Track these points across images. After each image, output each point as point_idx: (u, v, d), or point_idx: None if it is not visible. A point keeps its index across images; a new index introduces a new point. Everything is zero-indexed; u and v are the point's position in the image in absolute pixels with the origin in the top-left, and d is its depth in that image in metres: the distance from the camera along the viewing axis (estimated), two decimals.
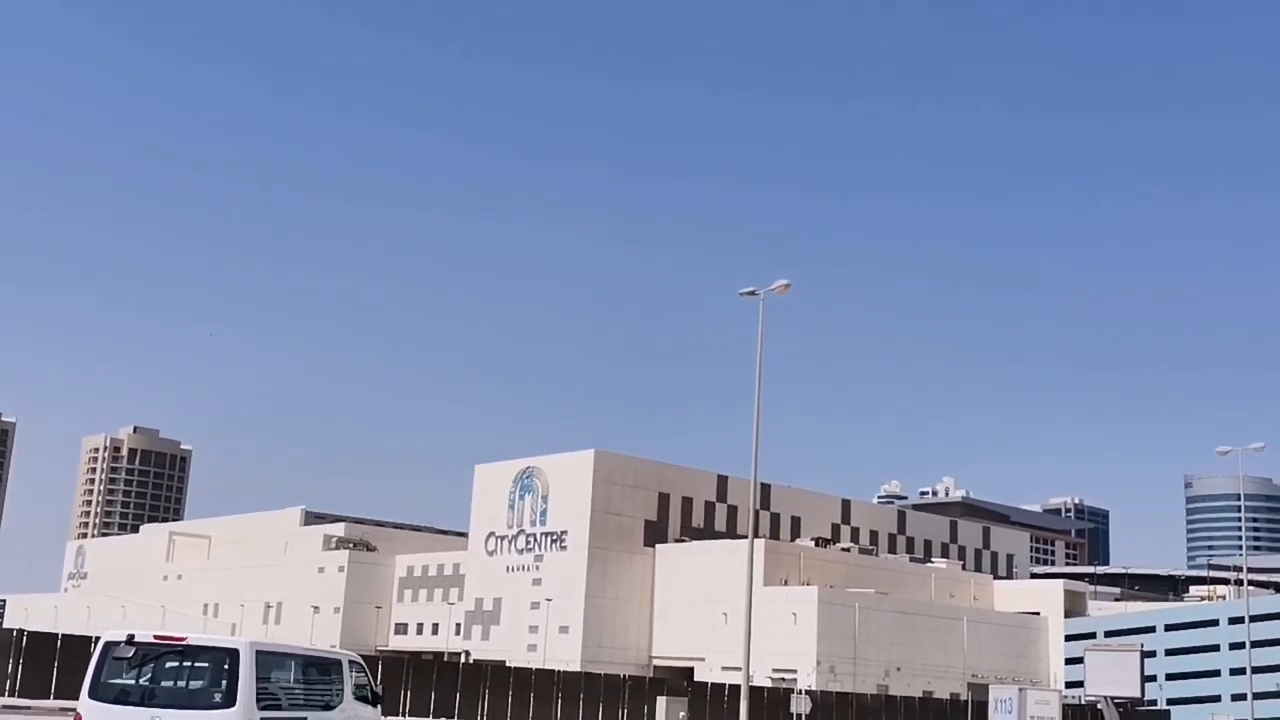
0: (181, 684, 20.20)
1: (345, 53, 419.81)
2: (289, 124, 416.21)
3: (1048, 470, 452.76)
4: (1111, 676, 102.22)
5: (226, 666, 19.59)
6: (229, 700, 19.37)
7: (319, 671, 22.91)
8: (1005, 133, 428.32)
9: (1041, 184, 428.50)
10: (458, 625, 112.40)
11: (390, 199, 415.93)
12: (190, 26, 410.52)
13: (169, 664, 20.35)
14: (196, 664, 20.18)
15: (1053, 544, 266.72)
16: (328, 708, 22.50)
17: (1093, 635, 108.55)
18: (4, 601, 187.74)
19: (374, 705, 24.63)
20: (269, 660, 20.64)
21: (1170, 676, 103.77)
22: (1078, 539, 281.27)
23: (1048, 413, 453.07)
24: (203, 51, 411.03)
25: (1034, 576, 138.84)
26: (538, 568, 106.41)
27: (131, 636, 20.37)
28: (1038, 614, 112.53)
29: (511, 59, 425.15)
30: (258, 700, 19.59)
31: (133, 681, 20.03)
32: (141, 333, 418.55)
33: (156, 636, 20.47)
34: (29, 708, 40.45)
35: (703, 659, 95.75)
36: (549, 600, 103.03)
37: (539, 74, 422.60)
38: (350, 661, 24.04)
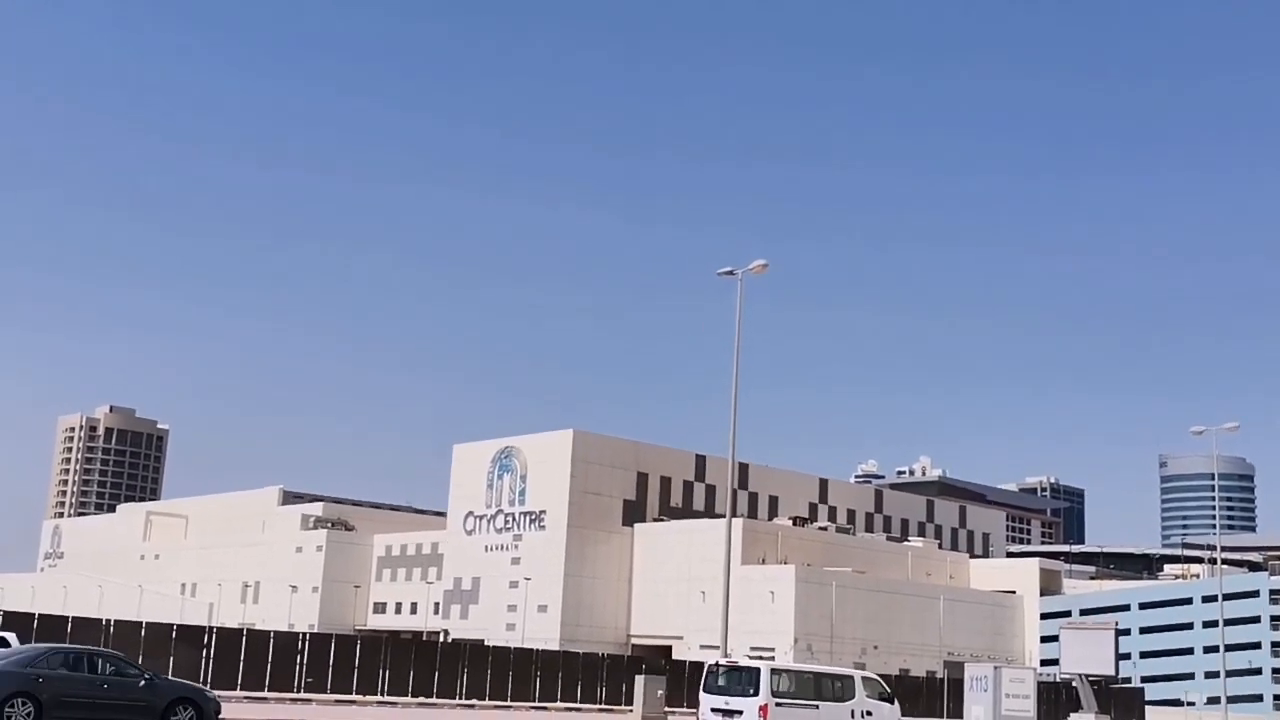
0: (738, 684, 35.25)
1: (328, 25, 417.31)
2: (262, 98, 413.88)
3: (1024, 450, 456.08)
4: (1086, 654, 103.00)
5: (756, 674, 34.89)
6: (756, 691, 34.44)
7: (830, 680, 37.46)
8: (982, 99, 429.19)
9: (1022, 151, 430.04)
10: (436, 604, 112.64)
11: (368, 175, 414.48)
12: (195, 3, 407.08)
13: (733, 672, 35.94)
14: (745, 672, 35.56)
15: (1029, 523, 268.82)
16: (839, 700, 36.21)
17: (1068, 614, 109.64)
18: None
19: (890, 702, 37.93)
20: (779, 673, 35.83)
21: (1145, 654, 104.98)
22: (1053, 518, 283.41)
23: (1024, 392, 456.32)
24: (195, 26, 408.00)
25: (1010, 555, 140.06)
26: (516, 547, 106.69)
27: (718, 662, 37.03)
28: (1013, 593, 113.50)
29: (489, 32, 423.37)
30: (772, 692, 34.48)
31: (720, 682, 35.78)
32: (116, 310, 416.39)
33: (727, 662, 37.24)
34: None
35: (681, 637, 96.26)
36: (528, 579, 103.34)
37: (518, 46, 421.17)
38: (864, 678, 38.05)
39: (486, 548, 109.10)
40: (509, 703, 59.44)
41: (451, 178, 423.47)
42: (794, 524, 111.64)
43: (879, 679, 39.63)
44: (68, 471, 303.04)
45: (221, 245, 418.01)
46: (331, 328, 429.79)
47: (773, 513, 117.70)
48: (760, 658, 77.54)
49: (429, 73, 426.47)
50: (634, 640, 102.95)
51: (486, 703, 58.51)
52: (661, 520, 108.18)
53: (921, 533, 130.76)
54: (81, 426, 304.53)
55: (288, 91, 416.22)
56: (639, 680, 51.18)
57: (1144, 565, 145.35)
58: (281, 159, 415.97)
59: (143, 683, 29.07)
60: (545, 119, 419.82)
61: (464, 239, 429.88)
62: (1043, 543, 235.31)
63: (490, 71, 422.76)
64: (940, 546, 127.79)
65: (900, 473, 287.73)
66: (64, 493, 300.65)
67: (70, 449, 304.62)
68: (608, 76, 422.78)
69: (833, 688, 36.53)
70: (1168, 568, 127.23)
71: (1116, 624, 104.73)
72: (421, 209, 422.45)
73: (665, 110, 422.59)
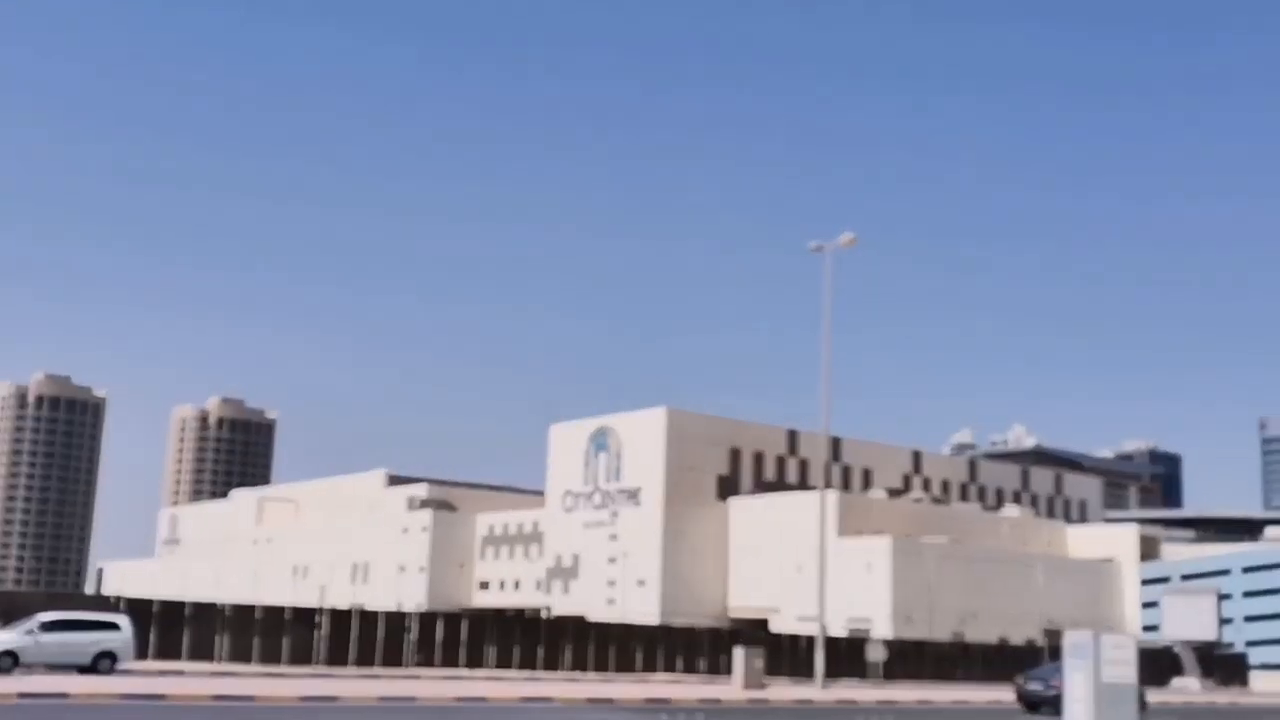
0: None
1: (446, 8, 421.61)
2: (356, 74, 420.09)
3: (1119, 415, 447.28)
4: (1188, 620, 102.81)
5: None
6: None
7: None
8: (1067, 61, 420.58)
9: (1091, 115, 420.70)
10: (538, 582, 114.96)
11: (466, 152, 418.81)
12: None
13: None
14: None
15: (1126, 489, 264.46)
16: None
17: (1168, 580, 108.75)
18: (101, 570, 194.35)
19: None
20: None
21: (1248, 619, 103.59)
22: (1151, 483, 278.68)
23: (1119, 358, 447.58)
24: (330, 17, 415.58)
25: (1107, 522, 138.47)
26: (614, 524, 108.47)
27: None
28: (1112, 560, 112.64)
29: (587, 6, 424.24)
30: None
31: None
32: (224, 302, 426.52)
33: None
34: (129, 670, 42.77)
35: (778, 610, 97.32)
36: (626, 556, 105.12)
37: (620, 23, 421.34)
38: None
39: (585, 525, 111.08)
40: (612, 676, 61.04)
41: (540, 153, 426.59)
42: (888, 496, 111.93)
43: None
44: (181, 461, 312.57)
45: (320, 233, 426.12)
46: (428, 313, 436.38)
47: (866, 485, 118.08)
48: (859, 629, 78.71)
49: (533, 45, 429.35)
50: (732, 613, 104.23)
51: (590, 676, 60.18)
52: (755, 495, 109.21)
53: (1017, 501, 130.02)
54: (194, 417, 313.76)
55: (387, 67, 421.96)
56: (738, 652, 52.31)
57: (1245, 529, 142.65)
58: (383, 139, 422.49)
59: None
60: (638, 89, 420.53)
61: (555, 219, 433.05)
62: (1140, 509, 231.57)
63: (595, 39, 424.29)
64: (1036, 515, 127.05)
65: (994, 442, 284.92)
66: (179, 481, 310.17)
67: (183, 439, 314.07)
68: (707, 48, 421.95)
69: None
70: (1270, 530, 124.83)
71: (1218, 589, 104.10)
72: (515, 185, 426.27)
73: (755, 84, 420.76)
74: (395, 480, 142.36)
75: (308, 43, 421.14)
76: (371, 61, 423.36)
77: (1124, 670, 25.87)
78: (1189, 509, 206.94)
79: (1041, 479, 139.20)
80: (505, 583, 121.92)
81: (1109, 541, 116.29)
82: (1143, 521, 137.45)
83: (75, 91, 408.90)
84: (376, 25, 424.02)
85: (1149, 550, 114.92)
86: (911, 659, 75.58)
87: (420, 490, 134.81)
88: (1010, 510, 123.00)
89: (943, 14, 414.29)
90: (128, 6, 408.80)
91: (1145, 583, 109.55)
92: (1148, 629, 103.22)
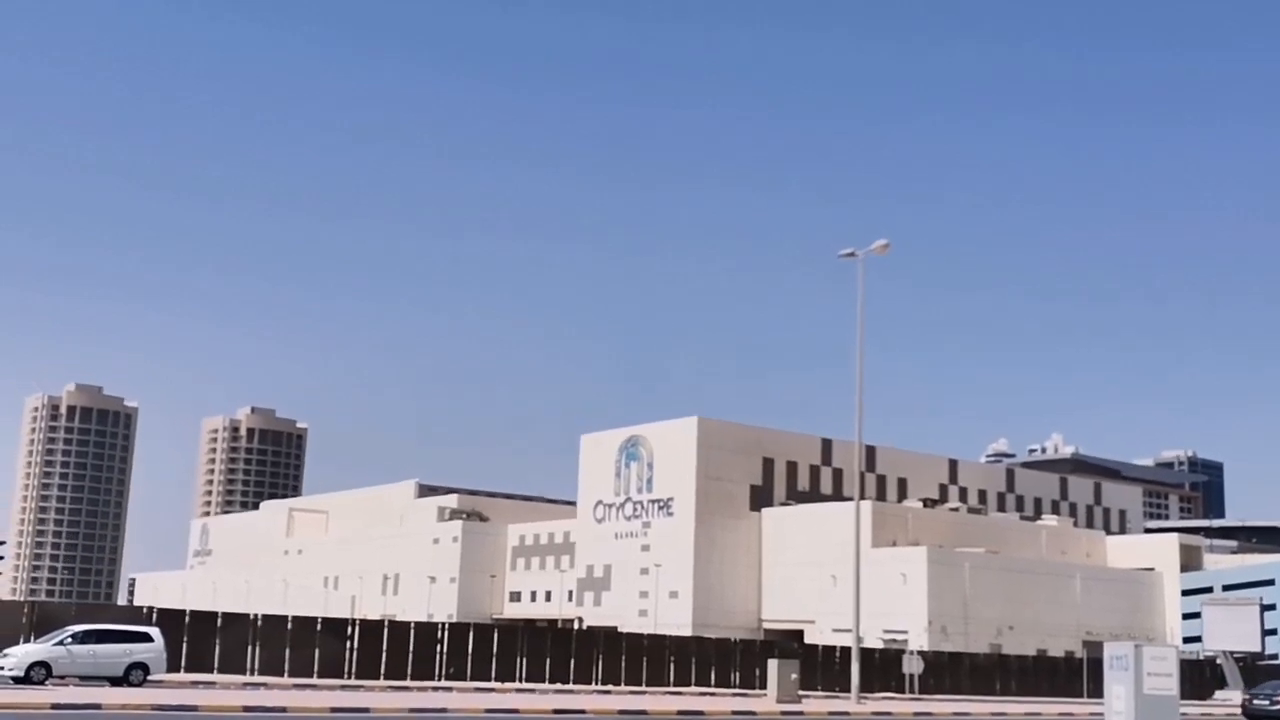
0: None
1: (490, 23, 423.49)
2: (381, 89, 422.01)
3: (1159, 423, 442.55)
4: (1230, 630, 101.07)
5: None
6: None
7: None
8: (1105, 65, 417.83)
9: (1139, 115, 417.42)
10: (570, 592, 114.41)
11: (496, 167, 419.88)
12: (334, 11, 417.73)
13: None
14: None
15: (1166, 498, 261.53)
16: None
17: (1210, 590, 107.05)
18: (134, 580, 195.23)
19: None
20: None
21: None
22: (1192, 492, 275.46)
23: (1158, 365, 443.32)
24: (319, 25, 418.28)
25: (1148, 531, 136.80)
26: (645, 534, 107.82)
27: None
28: (1152, 569, 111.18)
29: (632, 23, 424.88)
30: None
31: None
32: (255, 314, 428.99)
33: None
34: (161, 681, 42.52)
35: (813, 621, 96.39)
36: (658, 566, 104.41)
37: (655, 29, 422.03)
38: None
39: (616, 535, 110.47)
40: (644, 688, 60.49)
41: (577, 167, 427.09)
42: (924, 505, 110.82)
43: None
44: (213, 471, 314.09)
45: (351, 243, 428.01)
46: (456, 323, 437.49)
47: (901, 495, 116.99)
48: (894, 641, 77.79)
49: (563, 62, 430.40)
50: (766, 625, 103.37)
51: (622, 688, 59.61)
52: (788, 505, 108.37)
53: (1055, 511, 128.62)
54: (224, 428, 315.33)
55: (420, 84, 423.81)
56: (772, 664, 51.67)
57: None
58: (403, 148, 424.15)
59: None
60: (671, 97, 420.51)
61: (585, 227, 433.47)
62: (1181, 518, 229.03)
63: (627, 53, 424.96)
64: (1075, 524, 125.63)
65: (1032, 450, 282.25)
66: (210, 492, 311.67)
67: (214, 450, 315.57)
68: (745, 52, 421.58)
69: None
70: None
71: (1261, 599, 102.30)
72: (548, 201, 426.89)
73: (792, 82, 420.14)
74: (426, 490, 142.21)
75: (338, 59, 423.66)
76: (403, 77, 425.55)
77: (1166, 682, 25.19)
78: (1231, 518, 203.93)
79: (1080, 488, 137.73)
80: (536, 594, 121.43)
81: (1149, 551, 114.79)
82: (1184, 530, 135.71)
83: (107, 101, 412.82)
84: (408, 44, 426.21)
85: (1190, 560, 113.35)
86: (948, 671, 74.60)
87: (451, 501, 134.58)
88: (1048, 520, 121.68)
89: (971, 30, 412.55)
90: (165, 20, 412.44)
91: (1186, 593, 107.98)
92: (1189, 640, 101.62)
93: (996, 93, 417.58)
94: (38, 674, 39.20)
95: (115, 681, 40.39)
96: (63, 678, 40.12)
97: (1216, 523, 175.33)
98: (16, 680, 38.57)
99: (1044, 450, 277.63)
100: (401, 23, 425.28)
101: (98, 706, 30.88)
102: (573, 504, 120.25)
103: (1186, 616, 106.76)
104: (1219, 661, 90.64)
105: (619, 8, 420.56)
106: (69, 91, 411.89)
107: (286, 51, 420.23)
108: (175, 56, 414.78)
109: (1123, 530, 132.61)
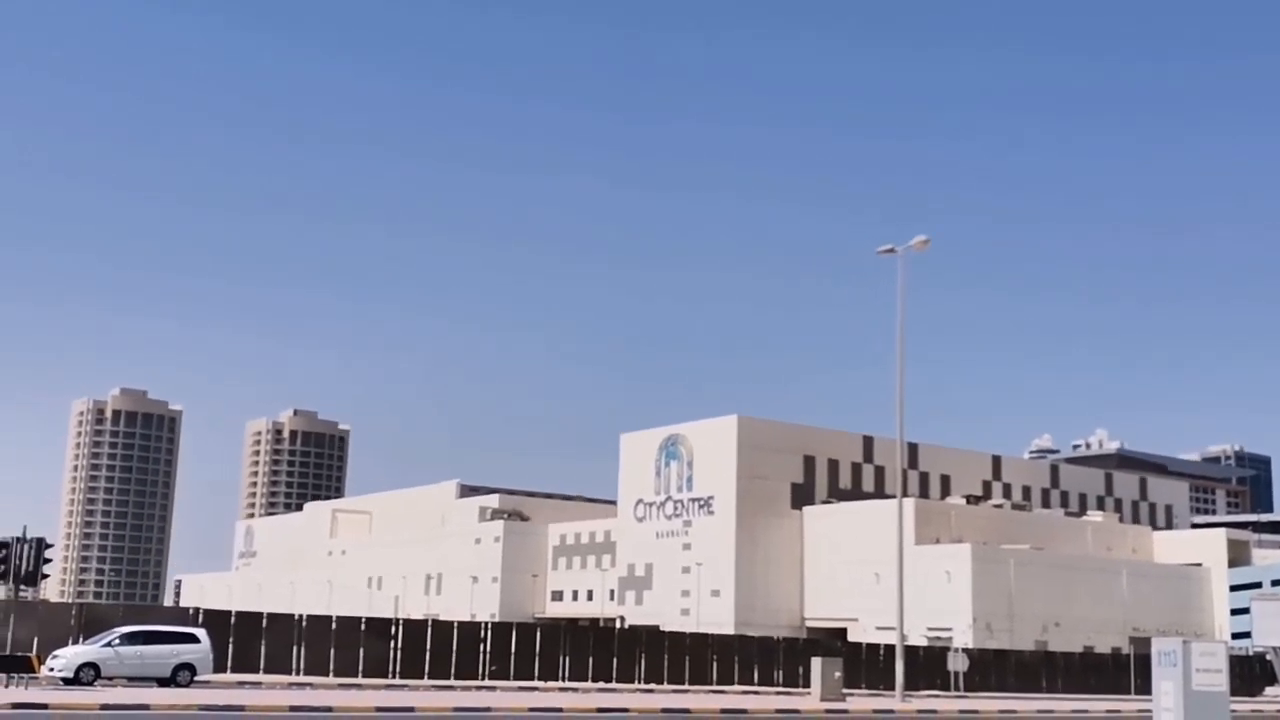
0: None
1: (503, 33, 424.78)
2: (410, 97, 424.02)
3: (1205, 418, 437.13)
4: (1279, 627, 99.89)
5: None
6: None
7: None
8: (1143, 71, 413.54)
9: (1179, 115, 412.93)
10: (611, 591, 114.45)
11: (527, 169, 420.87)
12: (336, 19, 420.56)
13: None
14: None
15: (1213, 493, 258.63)
16: None
17: (1258, 585, 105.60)
18: (180, 582, 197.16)
19: None
20: None
21: None
22: (1239, 487, 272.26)
23: (1204, 358, 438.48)
24: (342, 42, 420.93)
25: (1195, 527, 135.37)
26: (687, 533, 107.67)
27: None
28: (1200, 565, 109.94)
29: (646, 29, 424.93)
30: None
31: None
32: (297, 316, 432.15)
33: None
34: (208, 682, 42.81)
35: (856, 619, 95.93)
36: (699, 565, 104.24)
37: (673, 38, 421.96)
38: None
39: (657, 534, 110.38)
40: (687, 686, 60.37)
41: (609, 169, 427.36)
42: (967, 502, 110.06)
43: None
44: (257, 474, 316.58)
45: (390, 249, 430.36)
46: (496, 323, 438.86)
47: (945, 492, 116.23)
48: (939, 638, 77.20)
49: (586, 69, 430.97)
50: (809, 623, 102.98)
51: (665, 686, 59.52)
52: (830, 503, 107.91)
53: (1100, 507, 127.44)
54: (268, 430, 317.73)
55: (436, 91, 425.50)
56: (816, 662, 51.38)
57: None
58: (449, 156, 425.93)
59: None
60: (701, 101, 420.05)
61: (624, 229, 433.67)
62: (1229, 513, 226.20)
63: (646, 64, 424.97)
64: (1120, 520, 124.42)
65: (1076, 446, 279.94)
66: (254, 494, 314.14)
67: (258, 452, 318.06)
68: (769, 55, 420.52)
69: None
70: None
71: None
72: (585, 203, 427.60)
73: (824, 84, 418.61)
74: (467, 491, 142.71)
75: (362, 71, 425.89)
76: (439, 89, 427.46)
77: (1215, 678, 24.88)
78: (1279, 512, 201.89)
79: (1125, 483, 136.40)
80: (578, 593, 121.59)
81: (1197, 546, 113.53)
82: (1231, 525, 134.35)
83: (144, 116, 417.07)
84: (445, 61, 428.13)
85: (1238, 555, 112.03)
86: (994, 669, 74.04)
87: (492, 501, 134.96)
88: (1094, 516, 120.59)
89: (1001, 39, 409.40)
90: (196, 37, 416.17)
91: (1234, 588, 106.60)
92: (1238, 636, 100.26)
93: (1028, 96, 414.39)
94: (86, 675, 39.57)
95: (163, 682, 40.71)
96: (111, 679, 40.47)
97: (1265, 517, 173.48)
98: (66, 681, 38.95)
99: (1088, 446, 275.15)
100: (452, 38, 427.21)
101: (146, 707, 31.10)
102: (613, 503, 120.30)
103: (1235, 612, 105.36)
104: (1269, 658, 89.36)
105: (662, 20, 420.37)
106: (83, 102, 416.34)
107: (316, 65, 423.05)
108: (201, 71, 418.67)
109: (1169, 526, 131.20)
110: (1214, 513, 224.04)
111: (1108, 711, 51.69)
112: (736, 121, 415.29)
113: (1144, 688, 65.50)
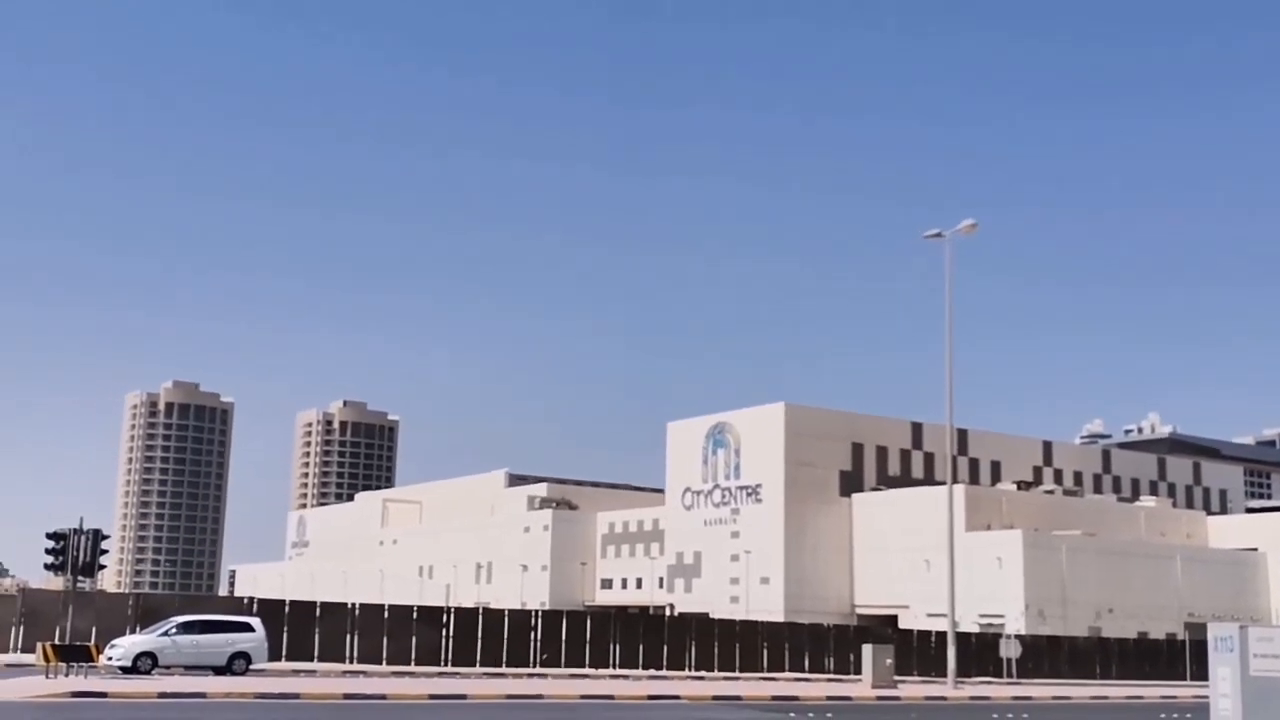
0: None
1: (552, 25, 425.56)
2: (450, 89, 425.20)
3: (1259, 400, 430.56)
4: None
5: None
6: None
7: None
8: (1190, 46, 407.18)
9: (1230, 96, 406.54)
10: (660, 579, 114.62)
11: (572, 158, 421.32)
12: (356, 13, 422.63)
13: None
14: None
15: (1268, 477, 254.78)
16: None
17: None
18: (234, 572, 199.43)
19: None
20: None
21: None
22: None
23: (1255, 340, 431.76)
24: (369, 34, 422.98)
25: (1250, 511, 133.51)
26: (735, 521, 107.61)
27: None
28: (1255, 549, 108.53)
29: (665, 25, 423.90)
30: None
31: None
32: (345, 309, 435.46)
33: None
34: (263, 670, 43.31)
35: (907, 606, 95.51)
36: (748, 553, 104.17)
37: (703, 28, 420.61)
38: None
39: (705, 522, 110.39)
40: (738, 674, 60.44)
41: (649, 159, 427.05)
42: (1018, 488, 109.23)
43: None
44: (308, 464, 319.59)
45: (436, 241, 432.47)
46: (543, 313, 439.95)
47: (995, 478, 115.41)
48: (991, 625, 76.67)
49: (607, 63, 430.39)
50: (859, 610, 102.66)
51: (715, 674, 59.63)
52: (879, 490, 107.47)
53: (1153, 492, 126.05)
54: (319, 421, 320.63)
55: (457, 81, 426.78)
56: (866, 650, 51.30)
57: None
58: (491, 147, 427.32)
59: None
60: (742, 90, 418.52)
61: (671, 218, 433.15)
62: None
63: (692, 56, 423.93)
64: (1174, 505, 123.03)
65: (1128, 431, 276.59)
66: (305, 484, 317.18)
67: (309, 443, 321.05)
68: (817, 43, 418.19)
69: None
70: None
71: None
72: (630, 193, 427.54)
73: (870, 72, 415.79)
74: (515, 480, 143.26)
75: (384, 62, 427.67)
76: (505, 88, 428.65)
77: (1273, 664, 24.54)
78: None
79: (1179, 468, 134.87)
80: (627, 581, 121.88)
81: (1252, 531, 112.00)
82: None
83: (184, 115, 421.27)
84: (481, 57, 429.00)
85: None
86: (1046, 655, 73.56)
87: (540, 489, 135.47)
88: (1147, 501, 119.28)
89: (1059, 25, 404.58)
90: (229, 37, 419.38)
91: None
92: None
93: (1075, 81, 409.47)
94: (144, 664, 40.18)
95: (218, 670, 41.25)
96: (168, 667, 41.05)
97: None
98: (124, 670, 39.57)
99: (1140, 430, 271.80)
100: (487, 33, 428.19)
101: (203, 695, 31.56)
102: (661, 491, 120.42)
103: None
104: None
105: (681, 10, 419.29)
106: (126, 101, 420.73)
107: (328, 58, 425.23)
108: (240, 69, 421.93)
109: (1224, 510, 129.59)
110: (1269, 497, 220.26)
111: (1163, 698, 51.26)
112: (772, 110, 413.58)
113: (1199, 674, 64.77)
